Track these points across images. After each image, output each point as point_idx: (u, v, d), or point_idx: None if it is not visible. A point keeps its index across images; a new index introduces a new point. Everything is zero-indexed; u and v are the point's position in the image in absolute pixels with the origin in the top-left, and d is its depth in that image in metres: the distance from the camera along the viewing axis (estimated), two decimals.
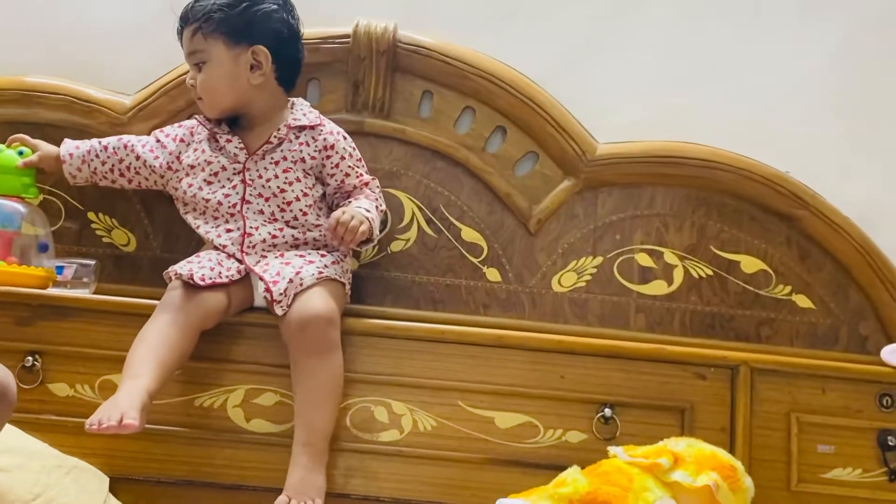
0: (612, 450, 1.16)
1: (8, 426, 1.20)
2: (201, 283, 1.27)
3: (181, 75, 1.54)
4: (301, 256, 1.36)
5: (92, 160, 1.45)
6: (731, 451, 1.29)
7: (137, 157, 1.45)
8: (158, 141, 1.46)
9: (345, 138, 1.46)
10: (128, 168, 1.45)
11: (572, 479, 1.11)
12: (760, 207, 1.60)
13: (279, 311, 1.27)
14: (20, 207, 1.42)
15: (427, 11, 1.63)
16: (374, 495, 1.30)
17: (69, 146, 1.46)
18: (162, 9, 1.43)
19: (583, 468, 1.17)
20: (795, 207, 1.58)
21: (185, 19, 1.41)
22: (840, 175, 1.61)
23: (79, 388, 1.30)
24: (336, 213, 1.33)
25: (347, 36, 1.57)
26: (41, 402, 1.29)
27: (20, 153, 1.44)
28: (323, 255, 1.38)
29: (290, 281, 1.29)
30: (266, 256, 1.36)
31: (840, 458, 1.33)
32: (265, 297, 1.31)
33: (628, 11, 1.66)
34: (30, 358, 1.29)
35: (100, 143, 1.46)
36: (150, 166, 1.44)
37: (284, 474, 1.24)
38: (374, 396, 1.31)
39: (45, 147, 1.46)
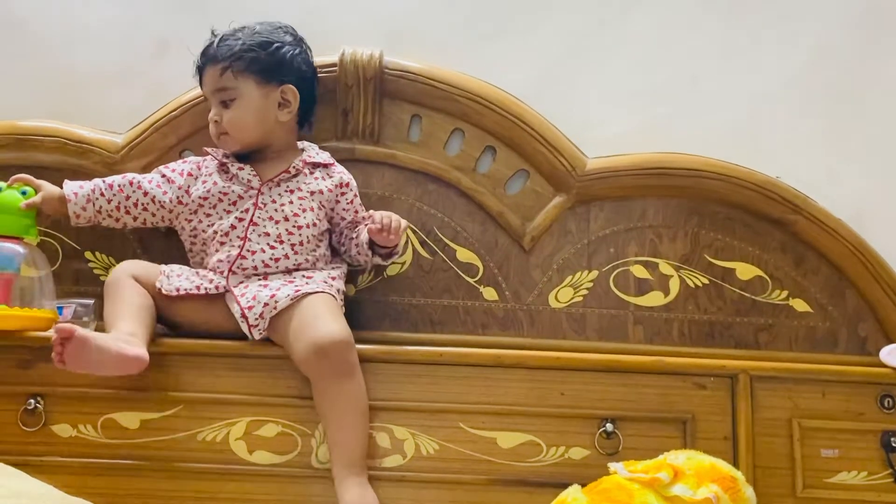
0: (612, 466, 1.16)
1: (12, 469, 1.20)
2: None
3: (171, 112, 1.56)
4: (279, 279, 1.38)
5: (97, 199, 1.45)
6: (735, 459, 1.29)
7: (145, 194, 1.46)
8: (164, 176, 1.48)
9: (352, 179, 1.51)
10: (135, 204, 1.46)
11: (573, 498, 1.11)
12: (753, 214, 1.60)
13: (256, 336, 1.31)
14: (19, 249, 1.39)
15: (411, 36, 1.65)
16: None
17: (73, 186, 1.45)
18: (149, 46, 1.45)
19: (586, 485, 1.18)
20: (787, 212, 1.59)
21: (213, 58, 1.44)
22: (827, 178, 1.62)
23: (81, 428, 1.30)
24: (375, 215, 1.39)
25: (334, 65, 1.58)
26: (45, 444, 1.29)
27: (23, 193, 1.41)
28: (308, 278, 1.39)
29: (266, 304, 1.31)
30: (248, 279, 1.37)
31: (845, 461, 1.32)
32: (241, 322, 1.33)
33: (609, 24, 1.68)
34: (31, 400, 1.30)
35: (104, 181, 1.46)
36: (160, 202, 1.46)
37: None
38: (376, 422, 1.31)
39: (48, 188, 1.43)
